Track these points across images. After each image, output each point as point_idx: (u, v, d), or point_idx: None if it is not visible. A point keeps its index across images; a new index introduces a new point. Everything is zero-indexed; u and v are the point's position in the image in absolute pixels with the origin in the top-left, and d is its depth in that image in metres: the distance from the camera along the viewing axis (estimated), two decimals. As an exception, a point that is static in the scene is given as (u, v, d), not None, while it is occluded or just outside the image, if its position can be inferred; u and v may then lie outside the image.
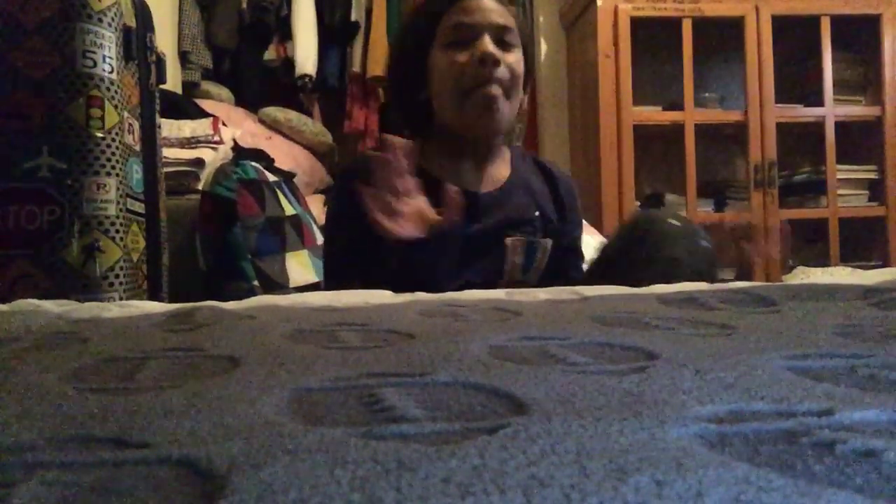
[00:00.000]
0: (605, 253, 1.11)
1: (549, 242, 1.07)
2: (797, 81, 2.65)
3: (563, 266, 1.12)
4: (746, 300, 0.63)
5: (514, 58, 1.01)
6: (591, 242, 1.32)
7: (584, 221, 1.35)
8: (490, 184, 1.07)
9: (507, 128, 1.06)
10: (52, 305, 0.66)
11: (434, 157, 1.06)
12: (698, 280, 0.86)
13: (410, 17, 1.11)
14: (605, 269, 1.07)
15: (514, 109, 1.03)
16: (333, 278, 1.07)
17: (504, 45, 1.00)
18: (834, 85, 2.50)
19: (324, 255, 1.12)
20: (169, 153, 1.55)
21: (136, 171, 1.17)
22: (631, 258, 1.01)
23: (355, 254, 1.01)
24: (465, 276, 0.99)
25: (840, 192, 2.52)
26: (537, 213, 1.08)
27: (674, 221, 1.03)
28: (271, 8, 2.58)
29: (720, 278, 0.99)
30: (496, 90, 0.98)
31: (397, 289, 0.76)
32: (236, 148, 1.70)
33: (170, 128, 1.66)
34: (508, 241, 1.04)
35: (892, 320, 0.50)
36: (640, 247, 1.00)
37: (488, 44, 0.98)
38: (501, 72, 0.98)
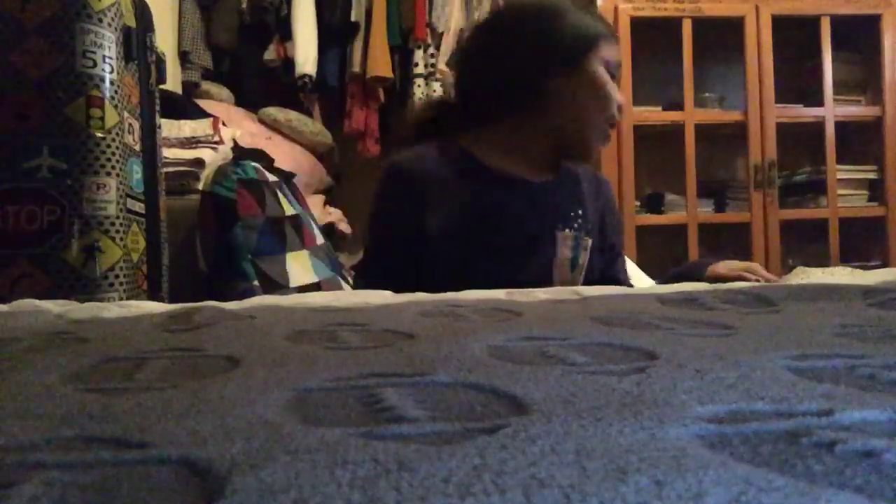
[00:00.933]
0: None
1: (590, 243, 1.09)
2: (797, 81, 2.65)
3: (611, 271, 1.15)
4: (746, 300, 0.63)
5: None
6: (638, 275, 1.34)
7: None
8: (542, 176, 1.10)
9: None
10: (52, 305, 0.66)
11: (492, 148, 1.08)
12: None
13: (553, 28, 1.07)
14: None
15: None
16: (367, 277, 1.09)
17: None
18: (834, 85, 2.50)
19: (365, 253, 1.12)
20: (169, 153, 1.55)
21: (136, 171, 1.17)
22: None
23: (398, 255, 1.04)
24: (513, 266, 1.02)
25: (840, 192, 2.52)
26: (581, 212, 1.10)
27: None
28: (271, 8, 2.58)
29: None
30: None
31: (437, 290, 0.76)
32: (236, 148, 1.71)
33: (170, 128, 1.66)
34: (559, 234, 1.06)
35: (892, 320, 0.50)
36: None
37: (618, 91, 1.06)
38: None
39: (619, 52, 1.08)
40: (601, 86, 1.03)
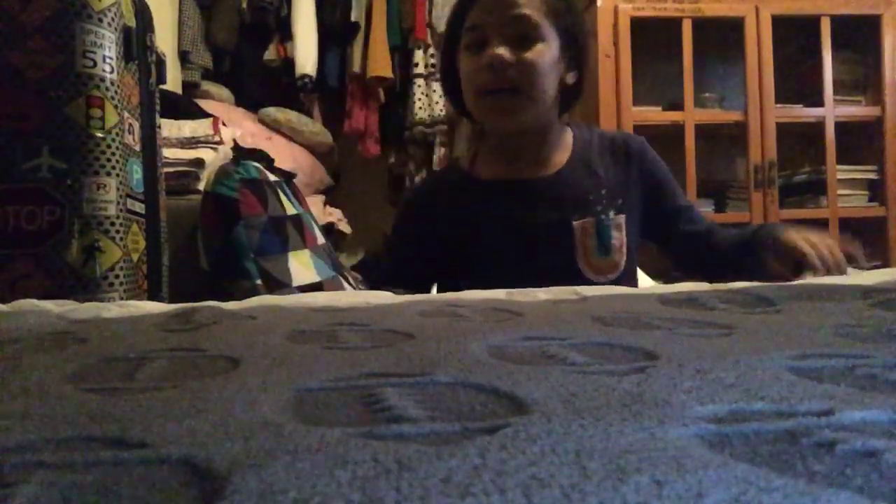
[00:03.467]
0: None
1: (623, 218, 1.05)
2: (797, 81, 2.65)
3: (689, 227, 1.09)
4: (746, 300, 0.63)
5: (534, 53, 0.97)
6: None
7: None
8: (546, 169, 1.07)
9: (540, 119, 1.04)
10: (52, 305, 0.66)
11: (487, 159, 1.11)
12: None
13: (450, 15, 1.10)
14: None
15: (542, 102, 1.01)
16: (376, 280, 1.18)
17: (523, 41, 0.97)
18: (834, 85, 2.50)
19: (384, 259, 1.24)
20: (169, 153, 1.55)
21: (136, 171, 1.17)
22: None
23: (403, 268, 1.12)
24: (533, 267, 1.02)
25: (840, 192, 2.52)
26: (604, 192, 1.06)
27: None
28: (271, 8, 2.58)
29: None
30: (505, 95, 0.97)
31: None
32: (237, 148, 1.70)
33: (170, 128, 1.66)
34: (576, 224, 1.03)
35: (892, 320, 0.50)
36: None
37: (496, 47, 0.96)
38: (513, 73, 0.97)
39: (488, 5, 0.99)
40: (463, 71, 1.02)
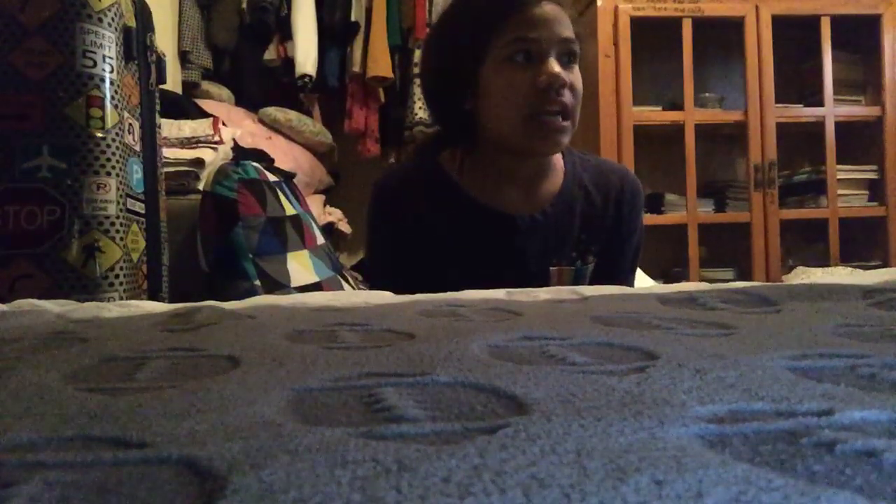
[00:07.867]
0: None
1: (593, 264, 1.03)
2: (797, 81, 2.65)
3: (598, 268, 1.06)
4: (746, 300, 0.63)
5: (576, 75, 0.93)
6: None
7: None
8: (534, 204, 1.01)
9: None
10: (52, 305, 0.66)
11: (474, 173, 1.01)
12: None
13: (455, 19, 1.00)
14: None
15: (576, 125, 0.95)
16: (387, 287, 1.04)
17: (569, 61, 0.92)
18: (834, 85, 2.50)
19: (371, 278, 1.10)
20: (169, 153, 1.55)
21: (136, 171, 1.17)
22: None
23: (404, 268, 1.00)
24: None
25: (840, 192, 2.52)
26: (584, 237, 1.02)
27: None
28: (271, 8, 2.58)
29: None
30: (562, 119, 0.91)
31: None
32: (236, 148, 1.70)
33: (170, 128, 1.66)
34: (553, 270, 1.00)
35: (892, 320, 0.50)
36: None
37: (555, 65, 0.89)
38: (567, 95, 0.90)
39: (536, 14, 0.90)
40: (503, 84, 0.91)
